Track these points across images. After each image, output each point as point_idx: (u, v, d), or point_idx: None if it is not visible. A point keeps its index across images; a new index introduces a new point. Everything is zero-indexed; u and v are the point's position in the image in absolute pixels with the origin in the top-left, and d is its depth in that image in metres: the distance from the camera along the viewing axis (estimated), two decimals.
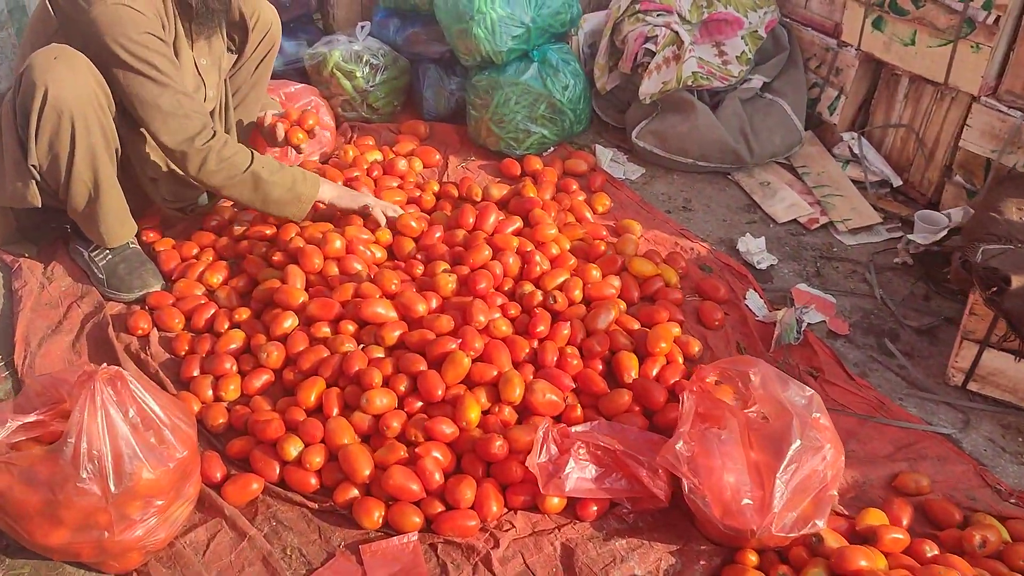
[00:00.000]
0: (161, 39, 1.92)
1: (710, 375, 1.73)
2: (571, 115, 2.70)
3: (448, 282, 2.00)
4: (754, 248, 2.34)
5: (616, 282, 2.11)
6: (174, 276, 2.17)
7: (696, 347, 1.98)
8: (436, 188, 2.53)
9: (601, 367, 1.91)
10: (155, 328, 2.03)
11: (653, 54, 2.62)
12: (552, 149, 2.78)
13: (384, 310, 1.91)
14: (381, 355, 1.86)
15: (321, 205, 2.22)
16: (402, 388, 1.77)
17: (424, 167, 2.70)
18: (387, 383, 1.78)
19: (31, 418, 1.47)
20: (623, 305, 2.08)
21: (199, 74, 2.14)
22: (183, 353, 1.95)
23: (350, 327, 1.91)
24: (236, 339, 1.94)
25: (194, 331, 2.03)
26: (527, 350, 1.87)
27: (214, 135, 1.99)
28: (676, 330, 2.01)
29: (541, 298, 2.00)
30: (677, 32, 2.57)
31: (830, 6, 2.66)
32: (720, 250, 2.38)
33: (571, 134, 2.79)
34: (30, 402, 1.52)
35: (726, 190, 2.66)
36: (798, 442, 1.51)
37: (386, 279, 1.99)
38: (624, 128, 2.89)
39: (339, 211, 2.26)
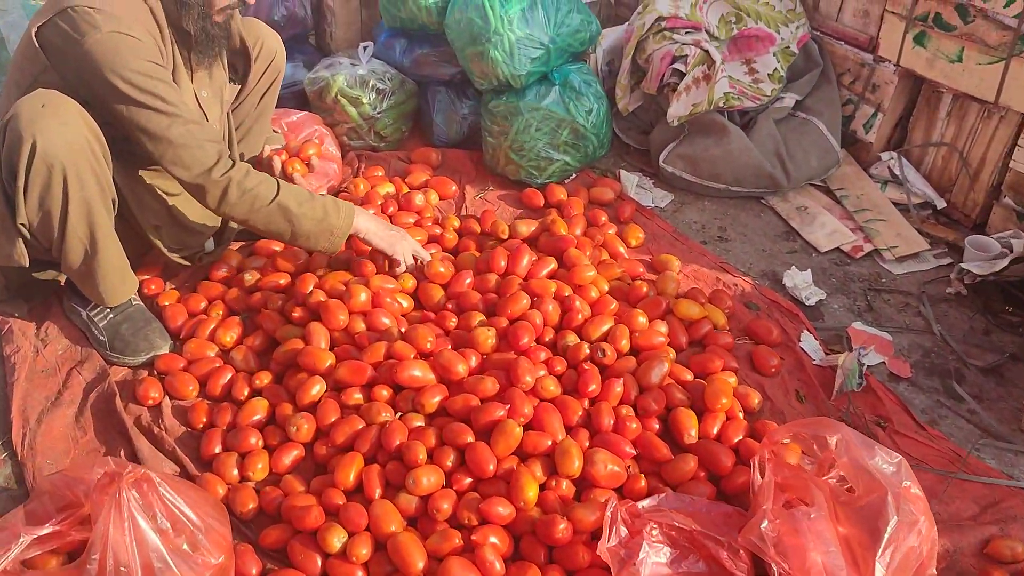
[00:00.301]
0: (161, 66, 1.77)
1: (782, 437, 1.62)
2: (594, 140, 2.58)
3: (487, 337, 1.87)
4: (801, 282, 2.23)
5: (663, 328, 1.99)
6: (183, 335, 2.02)
7: (756, 399, 1.87)
8: (456, 223, 2.39)
9: (658, 426, 1.79)
10: (167, 396, 1.87)
11: (681, 74, 2.50)
12: (574, 176, 2.65)
13: (421, 372, 1.77)
14: (421, 423, 1.73)
15: (358, 237, 2.04)
16: (448, 463, 1.63)
17: (440, 199, 2.56)
18: (431, 457, 1.65)
19: (46, 529, 1.33)
20: (672, 354, 1.96)
21: (200, 107, 1.99)
22: (201, 426, 1.80)
23: (384, 392, 1.77)
24: (259, 409, 1.79)
25: (210, 398, 1.88)
26: (580, 412, 1.74)
27: (233, 165, 1.84)
28: (732, 380, 1.89)
29: (588, 351, 1.87)
30: (708, 51, 2.45)
31: (864, 19, 2.56)
32: (764, 284, 2.27)
33: (593, 159, 2.66)
34: (43, 507, 1.38)
35: (761, 216, 2.54)
36: (895, 519, 1.40)
37: (420, 336, 1.85)
38: (646, 150, 2.77)
39: (368, 249, 2.09)
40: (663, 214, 2.55)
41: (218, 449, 1.73)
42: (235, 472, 1.68)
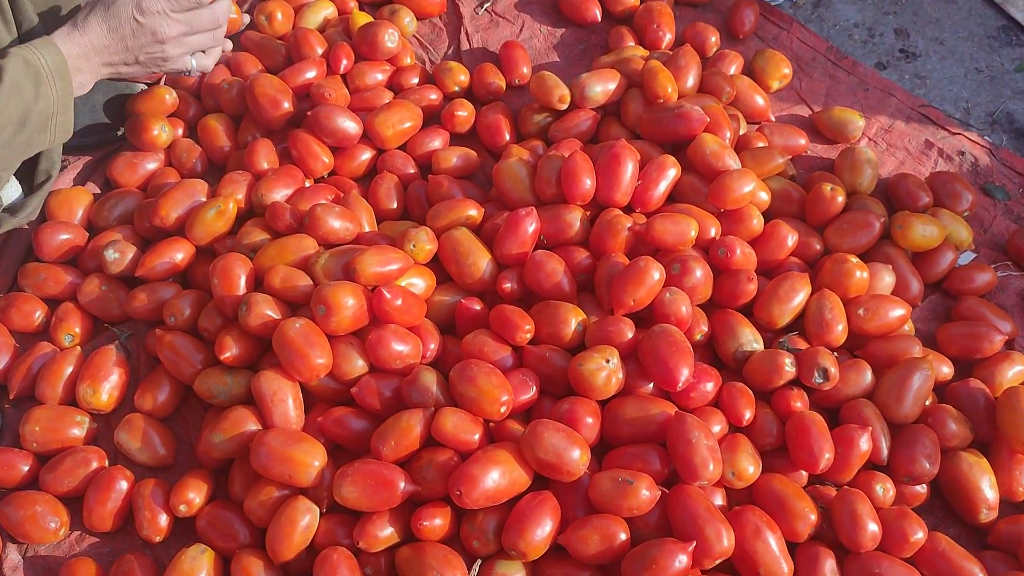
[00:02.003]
0: None
1: None
2: None
3: (609, 374, 1.04)
4: None
5: (889, 277, 1.20)
6: (13, 391, 1.17)
7: None
8: (464, 79, 1.45)
9: (924, 490, 1.07)
10: (11, 543, 1.06)
11: None
12: None
13: (504, 478, 0.97)
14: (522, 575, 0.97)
15: None
16: None
17: (418, 19, 1.57)
18: None
19: None
20: (910, 327, 1.19)
21: None
22: None
23: (439, 522, 0.98)
24: (200, 568, 0.99)
25: (96, 535, 1.07)
26: (813, 517, 1.00)
27: None
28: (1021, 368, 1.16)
29: (790, 370, 1.08)
30: None
31: None
32: (1001, 144, 1.45)
33: None
34: None
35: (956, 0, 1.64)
36: None
37: (486, 397, 1.01)
38: None
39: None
40: (801, 14, 1.62)
41: None
42: None
